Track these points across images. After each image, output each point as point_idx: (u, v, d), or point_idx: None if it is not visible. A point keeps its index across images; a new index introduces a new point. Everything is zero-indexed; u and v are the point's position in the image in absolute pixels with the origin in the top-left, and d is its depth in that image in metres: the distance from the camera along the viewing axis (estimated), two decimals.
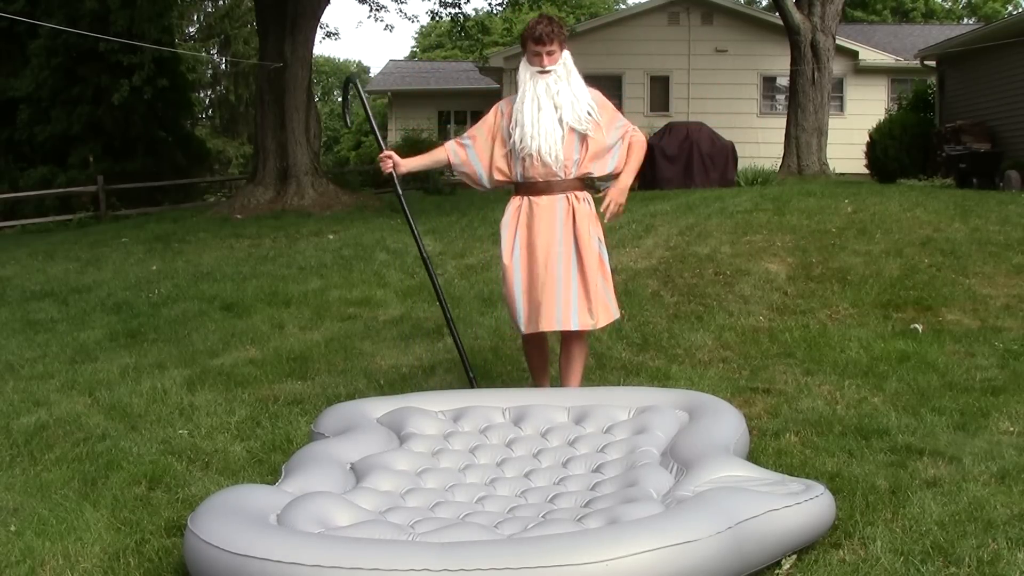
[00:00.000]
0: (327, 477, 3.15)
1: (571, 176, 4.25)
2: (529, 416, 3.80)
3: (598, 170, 4.28)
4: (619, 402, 3.89)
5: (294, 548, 2.48)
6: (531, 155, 4.21)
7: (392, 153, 4.42)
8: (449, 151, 4.46)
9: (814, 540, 2.95)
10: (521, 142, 4.22)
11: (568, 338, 4.35)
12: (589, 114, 4.21)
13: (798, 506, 2.87)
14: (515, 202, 4.34)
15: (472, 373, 4.58)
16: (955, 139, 16.75)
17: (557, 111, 4.18)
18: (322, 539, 2.56)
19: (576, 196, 4.27)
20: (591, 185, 4.41)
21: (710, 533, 2.59)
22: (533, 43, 4.24)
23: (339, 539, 2.58)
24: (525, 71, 4.28)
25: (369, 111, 4.88)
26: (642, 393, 4.08)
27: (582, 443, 3.61)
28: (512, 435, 3.70)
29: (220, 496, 2.89)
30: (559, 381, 4.50)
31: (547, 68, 4.22)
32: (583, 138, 4.22)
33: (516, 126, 4.24)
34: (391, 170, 4.43)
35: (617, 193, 4.27)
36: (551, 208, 4.24)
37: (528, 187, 4.28)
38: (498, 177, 4.35)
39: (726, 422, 3.61)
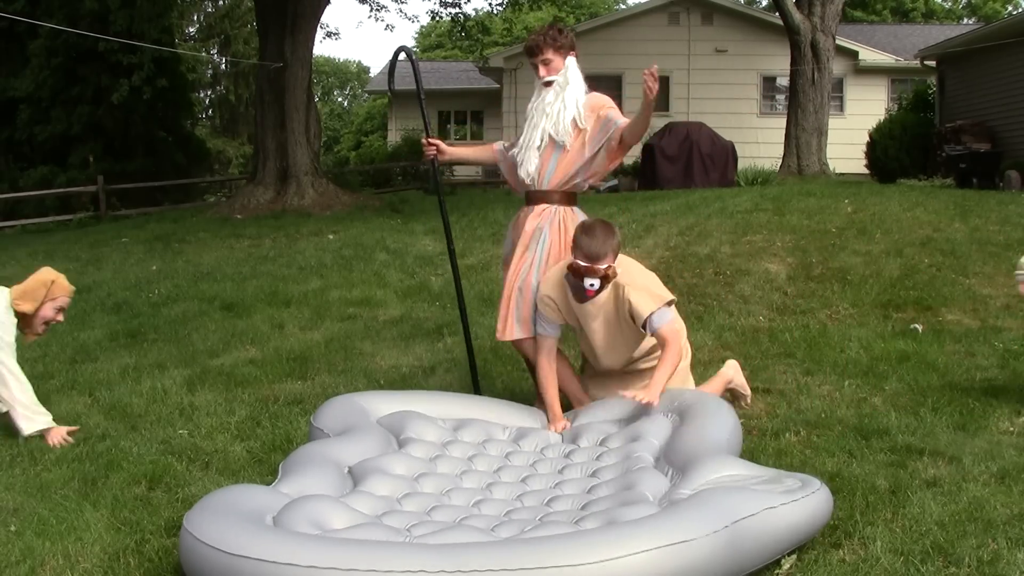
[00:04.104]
0: (324, 480, 3.15)
1: (547, 188, 4.20)
2: (528, 435, 3.81)
3: (581, 179, 4.20)
4: (614, 414, 3.87)
5: (290, 549, 2.47)
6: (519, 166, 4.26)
7: (438, 141, 4.46)
8: (496, 152, 4.50)
9: (812, 536, 2.96)
10: (517, 154, 4.29)
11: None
12: (575, 123, 4.11)
13: (795, 503, 2.86)
14: (520, 211, 4.37)
15: (478, 386, 4.64)
16: (955, 139, 16.74)
17: (545, 122, 4.15)
18: (318, 540, 2.55)
19: (557, 210, 4.19)
20: (594, 187, 4.40)
21: (707, 532, 2.59)
22: (528, 56, 4.25)
23: (335, 540, 2.58)
24: (536, 84, 4.28)
25: (422, 91, 4.72)
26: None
27: (578, 454, 3.63)
28: (509, 449, 3.72)
29: (216, 496, 2.89)
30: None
31: (545, 79, 4.18)
32: (562, 150, 4.14)
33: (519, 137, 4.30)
34: (433, 155, 4.47)
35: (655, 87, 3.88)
36: (530, 219, 4.24)
37: (524, 196, 4.33)
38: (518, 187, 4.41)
39: (718, 421, 3.60)
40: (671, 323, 3.89)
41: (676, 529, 2.58)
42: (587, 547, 2.49)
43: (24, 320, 4.43)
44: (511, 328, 4.19)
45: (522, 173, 4.25)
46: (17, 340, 4.39)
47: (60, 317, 4.59)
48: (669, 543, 2.52)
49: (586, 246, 3.76)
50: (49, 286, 4.46)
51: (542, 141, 4.17)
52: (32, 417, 4.26)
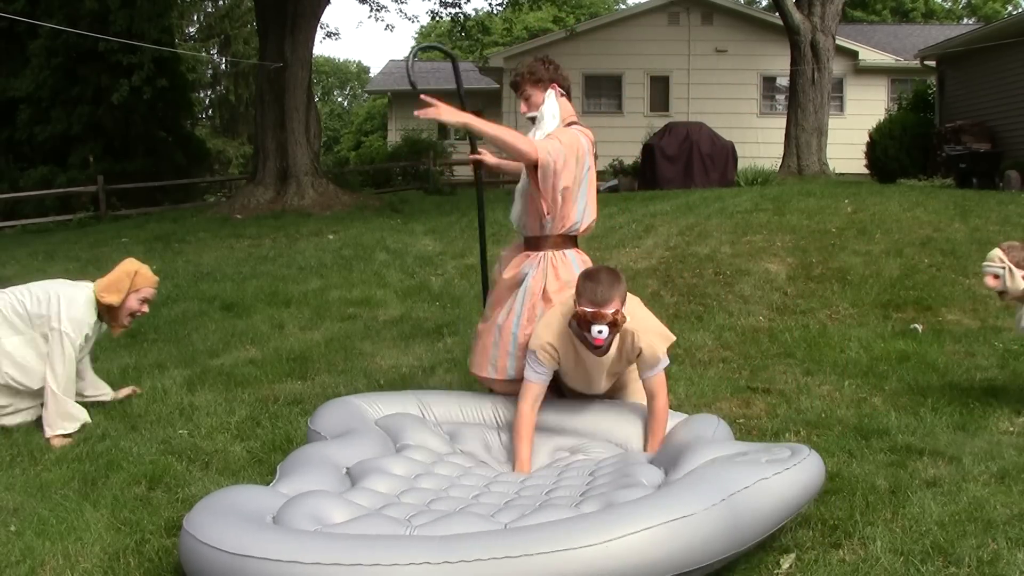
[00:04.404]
0: (322, 481, 3.14)
1: (528, 233, 4.03)
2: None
3: (567, 213, 3.94)
4: (615, 430, 3.81)
5: (293, 547, 2.48)
6: None
7: (483, 153, 4.42)
8: None
9: (809, 503, 2.99)
10: None
11: None
12: None
13: (788, 471, 2.90)
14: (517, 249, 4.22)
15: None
16: (955, 139, 16.74)
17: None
18: (321, 537, 2.55)
19: (544, 256, 3.98)
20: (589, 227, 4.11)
21: (704, 507, 2.61)
22: (513, 91, 4.12)
23: (338, 536, 2.58)
24: None
25: (464, 97, 4.52)
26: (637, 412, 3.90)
27: (579, 463, 3.61)
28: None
29: (215, 497, 2.89)
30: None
31: (527, 115, 4.04)
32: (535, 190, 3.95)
33: None
34: (476, 162, 4.47)
35: (449, 110, 3.71)
36: (514, 262, 4.09)
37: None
38: None
39: (702, 422, 3.63)
40: (662, 374, 3.71)
41: (673, 506, 2.59)
42: (587, 530, 2.49)
43: (110, 313, 4.44)
44: (481, 367, 4.06)
45: (509, 218, 4.16)
46: (104, 335, 4.45)
47: (145, 308, 4.58)
48: (667, 520, 2.53)
49: (590, 292, 3.49)
50: (133, 277, 4.46)
51: (521, 183, 4.05)
52: (55, 421, 4.29)
